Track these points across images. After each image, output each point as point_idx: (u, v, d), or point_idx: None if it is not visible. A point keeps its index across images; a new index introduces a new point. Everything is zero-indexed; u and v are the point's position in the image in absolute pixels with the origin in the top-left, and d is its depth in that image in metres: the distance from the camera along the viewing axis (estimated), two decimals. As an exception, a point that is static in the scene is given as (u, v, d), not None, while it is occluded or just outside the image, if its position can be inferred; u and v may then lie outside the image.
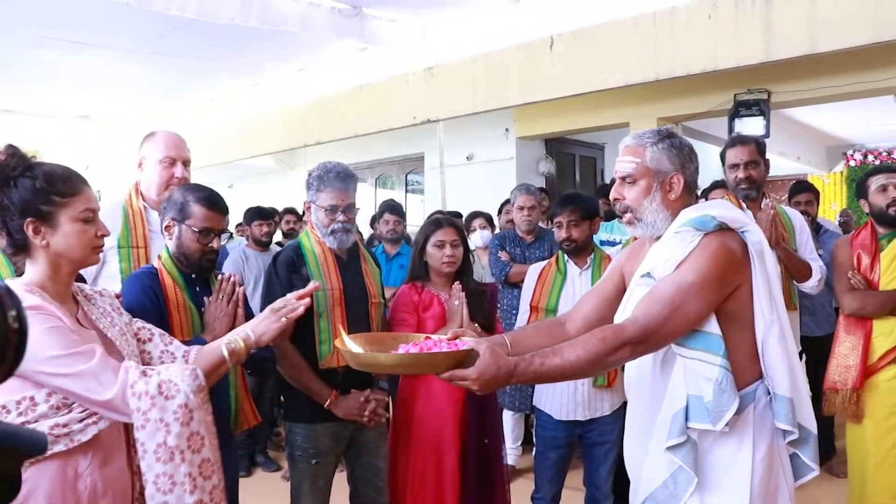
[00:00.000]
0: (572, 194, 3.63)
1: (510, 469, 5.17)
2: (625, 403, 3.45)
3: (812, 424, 2.06)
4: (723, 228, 2.04)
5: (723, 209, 2.11)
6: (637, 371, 2.19)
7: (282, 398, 3.78)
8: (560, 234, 3.47)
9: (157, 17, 5.66)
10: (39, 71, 7.90)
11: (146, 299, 2.48)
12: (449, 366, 1.89)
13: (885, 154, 11.74)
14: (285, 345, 2.89)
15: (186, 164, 3.10)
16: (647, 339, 1.96)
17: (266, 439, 5.72)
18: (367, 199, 10.37)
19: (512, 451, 5.25)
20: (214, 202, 2.62)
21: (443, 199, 7.83)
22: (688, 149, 2.18)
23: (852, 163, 11.93)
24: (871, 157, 11.88)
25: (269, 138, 10.18)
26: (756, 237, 2.07)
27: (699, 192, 3.75)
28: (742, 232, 2.07)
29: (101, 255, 2.08)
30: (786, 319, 2.06)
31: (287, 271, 2.94)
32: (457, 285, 3.13)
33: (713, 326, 1.99)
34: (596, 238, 5.28)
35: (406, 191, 10.86)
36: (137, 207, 3.02)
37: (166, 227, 2.63)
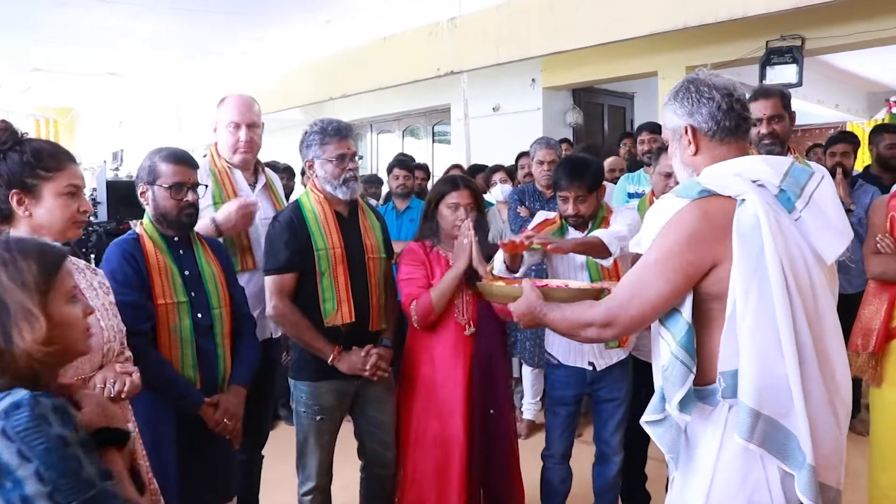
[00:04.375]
0: (577, 164, 3.30)
1: (530, 423, 5.19)
2: (633, 359, 3.46)
3: (805, 453, 1.69)
4: (713, 195, 1.80)
5: (740, 168, 1.83)
6: (652, 342, 2.06)
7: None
8: (566, 209, 3.22)
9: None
10: (65, 29, 7.92)
11: (126, 265, 2.53)
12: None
13: (927, 101, 11.38)
14: (286, 304, 2.95)
15: (252, 126, 3.26)
16: (610, 323, 1.88)
17: (288, 393, 5.77)
18: (395, 151, 10.33)
19: (531, 406, 5.26)
20: (180, 157, 2.69)
21: (467, 150, 7.76)
22: (696, 93, 1.89)
23: (895, 110, 11.55)
24: (912, 104, 11.52)
25: (297, 92, 10.16)
26: (750, 210, 1.74)
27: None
28: (741, 201, 1.77)
29: (81, 228, 2.16)
30: (802, 325, 1.72)
31: (288, 232, 2.96)
32: (466, 223, 3.05)
33: (686, 309, 1.83)
34: (622, 190, 5.25)
35: (433, 142, 10.80)
36: (222, 166, 3.22)
37: (141, 193, 2.69)
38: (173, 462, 2.54)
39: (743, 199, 1.77)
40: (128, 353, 2.20)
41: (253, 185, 3.29)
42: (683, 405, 1.81)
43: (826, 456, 1.72)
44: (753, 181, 1.80)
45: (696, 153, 1.92)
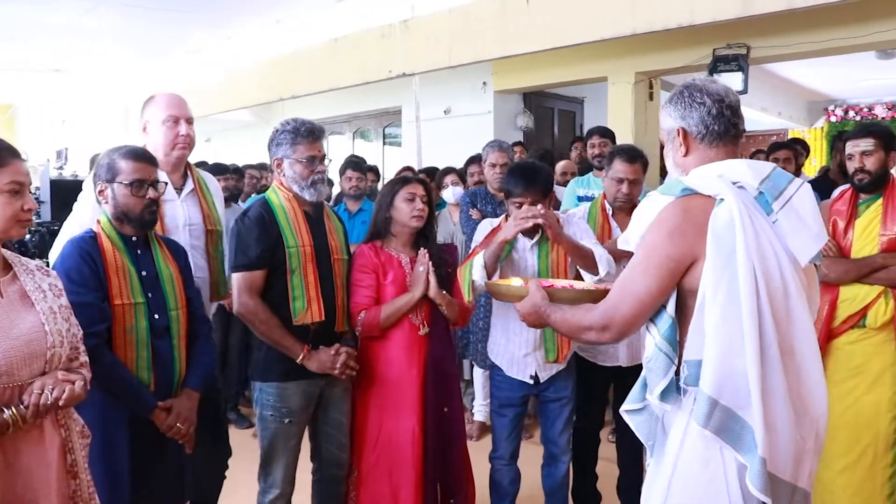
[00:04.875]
0: (530, 170, 3.31)
1: (481, 425, 5.20)
2: (578, 358, 3.50)
3: (758, 445, 1.75)
4: (695, 194, 1.88)
5: (723, 170, 1.91)
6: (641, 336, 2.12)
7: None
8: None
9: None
10: (9, 24, 7.72)
11: (83, 264, 2.47)
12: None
13: (865, 110, 11.71)
14: (256, 302, 2.91)
15: (190, 122, 3.17)
16: (607, 326, 1.94)
17: (237, 396, 5.71)
18: (346, 153, 10.29)
19: (482, 408, 5.26)
20: (140, 154, 2.64)
21: (419, 152, 7.76)
22: (689, 98, 1.96)
23: (833, 118, 11.88)
24: (851, 113, 11.84)
25: (247, 92, 10.06)
26: (726, 209, 1.80)
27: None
28: (719, 200, 1.83)
29: (27, 227, 2.07)
30: (768, 323, 1.78)
31: (259, 228, 2.92)
32: (423, 251, 3.10)
33: (670, 304, 1.90)
34: (572, 193, 5.31)
35: (384, 144, 10.78)
36: None
37: (99, 192, 2.62)
38: (126, 466, 2.49)
39: (721, 199, 1.82)
40: (83, 359, 2.13)
41: (179, 189, 3.18)
42: (664, 395, 1.89)
43: (783, 451, 1.77)
44: (734, 183, 1.86)
45: (686, 154, 2.00)
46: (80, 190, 3.10)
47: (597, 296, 2.21)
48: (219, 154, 11.22)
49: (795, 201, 1.87)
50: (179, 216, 3.10)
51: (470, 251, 3.29)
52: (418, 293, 3.05)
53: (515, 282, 2.61)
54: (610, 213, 3.66)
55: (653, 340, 1.94)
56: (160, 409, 2.54)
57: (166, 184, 2.83)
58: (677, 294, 1.89)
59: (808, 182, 2.02)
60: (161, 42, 8.72)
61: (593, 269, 3.13)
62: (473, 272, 3.12)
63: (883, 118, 11.30)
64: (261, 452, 3.05)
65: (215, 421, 3.15)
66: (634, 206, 3.61)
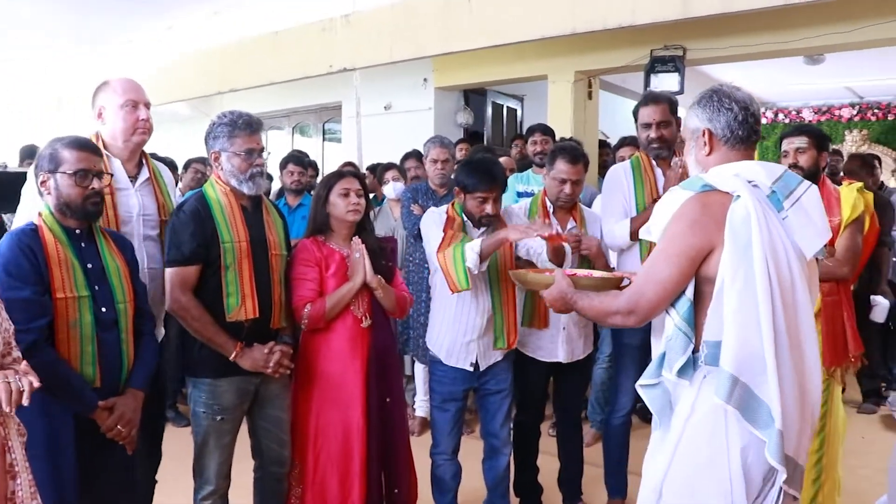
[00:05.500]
0: (492, 165, 3.40)
1: (422, 420, 5.21)
2: (517, 352, 3.56)
3: (775, 419, 1.90)
4: (713, 190, 2.04)
5: (739, 169, 2.06)
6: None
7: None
8: (486, 209, 3.28)
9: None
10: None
11: (23, 258, 2.40)
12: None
13: (794, 113, 12.06)
14: (188, 298, 2.85)
15: (148, 106, 3.09)
16: (633, 310, 2.10)
17: (176, 394, 5.61)
18: (285, 148, 10.18)
19: (423, 403, 5.28)
20: (84, 143, 2.58)
21: (359, 148, 7.72)
22: (718, 102, 2.12)
23: (764, 120, 12.20)
24: (781, 116, 12.19)
25: (185, 84, 9.84)
26: (742, 205, 1.96)
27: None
28: (736, 196, 2.00)
29: None
30: (779, 310, 1.93)
31: (193, 223, 2.86)
32: (356, 239, 3.13)
33: (689, 288, 2.05)
34: (512, 189, 5.35)
35: (324, 139, 10.70)
36: (105, 157, 2.93)
37: (41, 183, 2.55)
38: (72, 464, 2.42)
39: (738, 196, 1.99)
40: (16, 354, 2.07)
41: (134, 178, 3.09)
42: (682, 371, 2.04)
43: (790, 428, 1.93)
44: (749, 181, 2.02)
45: (709, 154, 2.16)
46: (8, 181, 3.00)
47: (615, 282, 2.51)
48: (155, 147, 10.95)
49: (804, 200, 2.05)
50: (133, 205, 3.02)
51: (440, 240, 3.24)
52: (359, 280, 3.08)
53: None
54: (551, 210, 3.69)
55: (672, 322, 2.09)
56: (101, 409, 2.48)
57: (111, 175, 2.76)
58: (695, 281, 2.05)
59: None
60: (96, 31, 8.44)
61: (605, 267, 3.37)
62: (467, 259, 3.11)
63: (810, 121, 11.65)
64: (194, 449, 3.01)
65: (156, 425, 3.09)
66: (575, 204, 3.67)
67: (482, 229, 3.34)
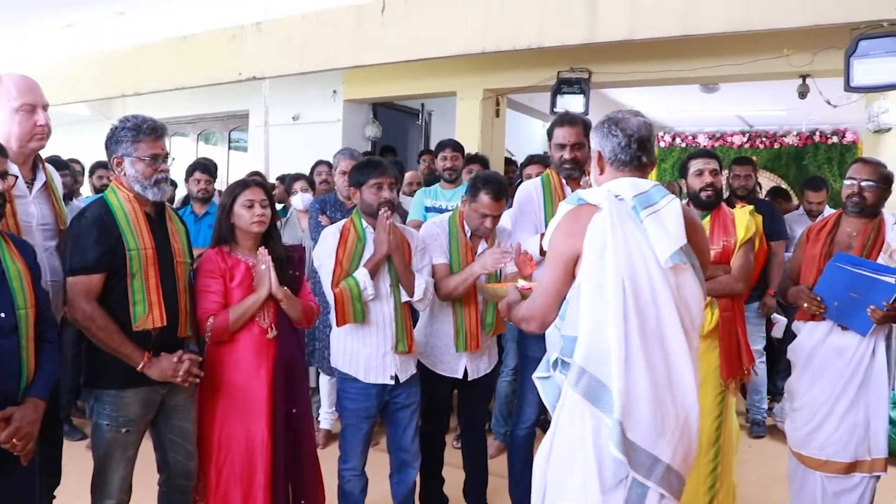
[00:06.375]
0: (372, 158, 3.58)
1: (327, 433, 5.18)
2: (421, 367, 3.63)
3: (616, 411, 2.07)
4: (586, 203, 2.26)
5: (612, 186, 2.27)
6: None
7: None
8: (381, 196, 3.39)
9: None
10: None
11: None
12: None
13: (690, 138, 12.54)
14: (93, 307, 2.76)
15: (46, 108, 2.94)
16: (531, 315, 2.37)
17: (70, 406, 5.40)
18: (190, 155, 9.96)
19: (328, 416, 5.26)
20: None
21: (266, 158, 7.65)
22: (607, 128, 2.32)
23: (662, 144, 12.64)
24: (678, 140, 12.66)
25: (85, 85, 9.47)
26: (602, 215, 2.18)
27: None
28: (600, 208, 2.21)
29: None
30: (630, 310, 2.11)
31: (97, 230, 2.78)
32: (262, 250, 3.10)
33: (569, 291, 2.27)
34: (420, 203, 5.39)
35: (229, 148, 10.53)
36: None
37: None
38: None
39: (601, 207, 2.20)
40: None
41: (30, 184, 2.97)
42: (556, 365, 2.27)
43: (643, 423, 2.09)
44: (616, 196, 2.23)
45: (601, 174, 2.38)
46: None
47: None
48: (54, 149, 10.50)
49: (663, 212, 2.21)
50: (33, 214, 2.89)
51: (332, 273, 3.36)
52: (264, 292, 3.06)
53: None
54: (468, 235, 3.67)
55: (554, 321, 2.31)
56: None
57: (16, 177, 2.64)
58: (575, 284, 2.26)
59: None
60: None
61: None
62: (364, 293, 3.33)
63: (704, 146, 12.14)
64: (95, 463, 2.90)
65: (53, 437, 2.95)
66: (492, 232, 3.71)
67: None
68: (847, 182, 3.47)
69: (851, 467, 3.41)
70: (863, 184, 3.41)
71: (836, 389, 3.40)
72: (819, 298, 3.40)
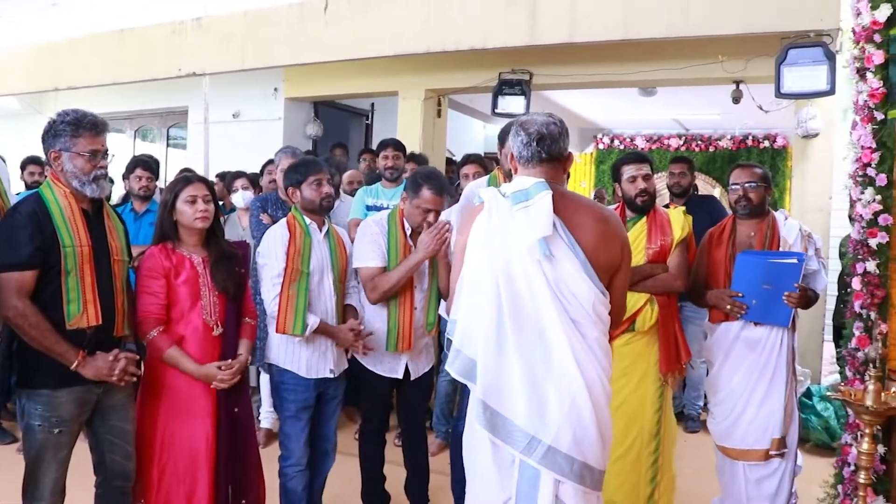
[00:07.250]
0: (306, 159, 3.72)
1: (268, 432, 5.16)
2: (360, 366, 3.69)
3: (478, 391, 2.30)
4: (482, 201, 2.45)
5: (507, 186, 2.45)
6: None
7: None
8: (322, 191, 3.52)
9: None
10: None
11: None
12: None
13: (628, 140, 12.72)
14: (25, 304, 2.69)
15: None
16: (446, 296, 2.66)
17: (0, 409, 5.26)
18: (127, 152, 9.77)
19: (269, 415, 5.24)
20: None
21: (206, 156, 7.54)
22: (515, 129, 2.48)
23: (601, 146, 12.82)
24: (616, 142, 12.86)
25: (14, 77, 9.22)
26: (483, 210, 2.41)
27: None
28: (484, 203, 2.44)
29: None
30: (502, 290, 2.28)
31: (31, 225, 2.72)
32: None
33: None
34: (361, 202, 5.39)
35: (168, 145, 10.36)
36: None
37: None
38: None
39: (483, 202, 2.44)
40: None
41: None
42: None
43: (516, 400, 2.26)
44: (501, 192, 2.41)
45: (515, 171, 2.51)
46: None
47: None
48: (-23, 143, 10.21)
49: (533, 207, 2.32)
50: None
51: (280, 286, 3.41)
52: (201, 374, 3.05)
53: None
54: (409, 232, 3.66)
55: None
56: None
57: None
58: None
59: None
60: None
61: None
62: (308, 327, 3.40)
63: (643, 148, 12.36)
64: (26, 465, 2.84)
65: None
66: None
67: (323, 230, 3.53)
68: (732, 188, 3.68)
69: (768, 453, 3.57)
70: (746, 186, 3.62)
71: (752, 380, 3.56)
72: (740, 298, 3.53)
